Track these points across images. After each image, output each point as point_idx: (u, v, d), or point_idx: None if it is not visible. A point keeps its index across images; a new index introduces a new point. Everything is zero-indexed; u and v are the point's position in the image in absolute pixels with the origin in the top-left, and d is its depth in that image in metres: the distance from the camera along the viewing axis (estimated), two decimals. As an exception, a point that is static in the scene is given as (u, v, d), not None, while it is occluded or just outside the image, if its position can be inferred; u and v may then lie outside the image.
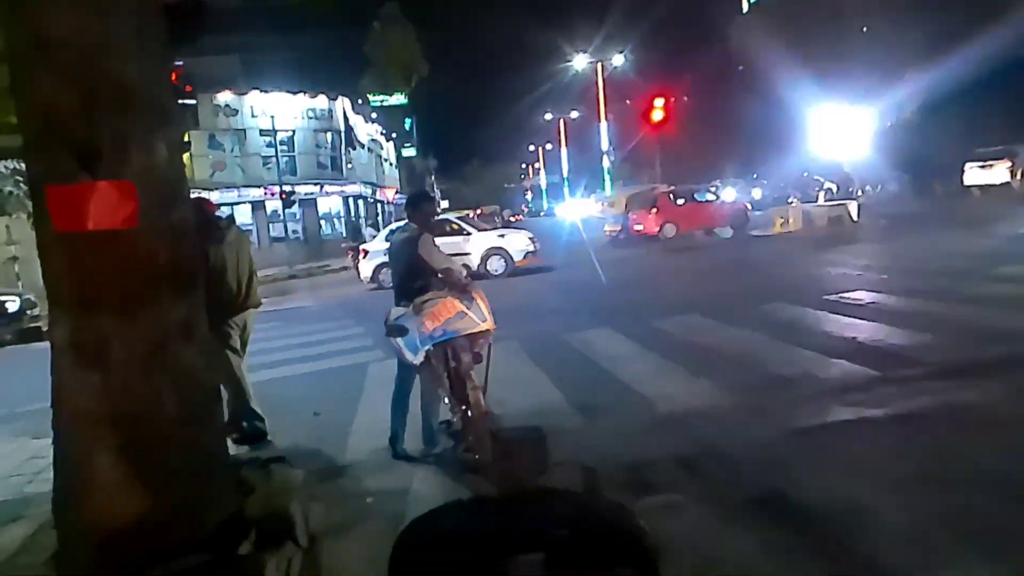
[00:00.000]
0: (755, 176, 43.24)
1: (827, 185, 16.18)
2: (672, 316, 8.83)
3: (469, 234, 17.43)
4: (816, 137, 28.25)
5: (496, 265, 17.05)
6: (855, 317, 7.76)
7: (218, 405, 3.21)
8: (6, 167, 13.77)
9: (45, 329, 3.01)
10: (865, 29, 47.50)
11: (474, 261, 16.83)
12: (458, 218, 20.18)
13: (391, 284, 5.11)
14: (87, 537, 2.85)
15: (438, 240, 4.85)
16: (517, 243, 17.28)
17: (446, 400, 4.56)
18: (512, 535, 0.69)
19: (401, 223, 5.22)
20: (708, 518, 3.48)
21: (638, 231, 23.61)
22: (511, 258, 17.04)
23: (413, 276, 4.65)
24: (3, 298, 14.92)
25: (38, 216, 2.82)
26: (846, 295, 9.15)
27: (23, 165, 2.94)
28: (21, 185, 13.05)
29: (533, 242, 17.33)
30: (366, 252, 17.63)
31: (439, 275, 4.58)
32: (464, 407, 4.41)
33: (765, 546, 3.13)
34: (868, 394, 5.15)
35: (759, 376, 5.89)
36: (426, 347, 4.33)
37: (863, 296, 9.02)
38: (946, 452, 4.00)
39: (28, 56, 2.70)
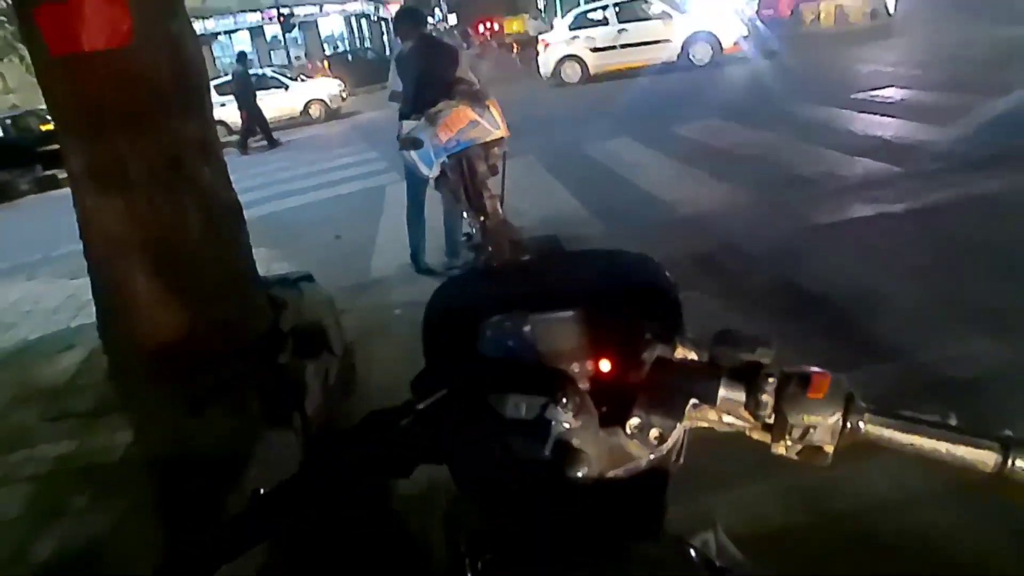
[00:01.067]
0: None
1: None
2: (693, 121, 8.57)
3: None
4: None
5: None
6: (882, 115, 7.48)
7: (242, 223, 3.26)
8: (-9, 10, 13.04)
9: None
10: None
11: None
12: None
13: (574, 79, 4.87)
14: (135, 353, 3.03)
15: None
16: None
17: (464, 212, 4.59)
18: (542, 294, 0.70)
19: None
20: (723, 310, 3.60)
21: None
22: None
23: (427, 85, 4.49)
24: None
25: (32, 44, 2.72)
26: (875, 93, 8.75)
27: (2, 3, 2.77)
28: (7, 26, 12.42)
29: None
30: (547, 43, 16.25)
31: (454, 84, 4.43)
32: (482, 218, 4.44)
33: (778, 332, 3.24)
34: (889, 190, 5.08)
35: (781, 177, 5.81)
36: (440, 159, 4.29)
37: (892, 93, 8.63)
38: (964, 241, 4.01)
39: None
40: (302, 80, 21.19)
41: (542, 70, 16.16)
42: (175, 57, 2.80)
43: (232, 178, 3.25)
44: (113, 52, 2.62)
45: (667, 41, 14.89)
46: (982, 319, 3.10)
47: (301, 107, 20.00)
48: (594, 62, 15.54)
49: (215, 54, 31.66)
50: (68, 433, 2.95)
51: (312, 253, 5.80)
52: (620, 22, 15.24)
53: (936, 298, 3.38)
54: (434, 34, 4.71)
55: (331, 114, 19.74)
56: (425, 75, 4.54)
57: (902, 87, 8.85)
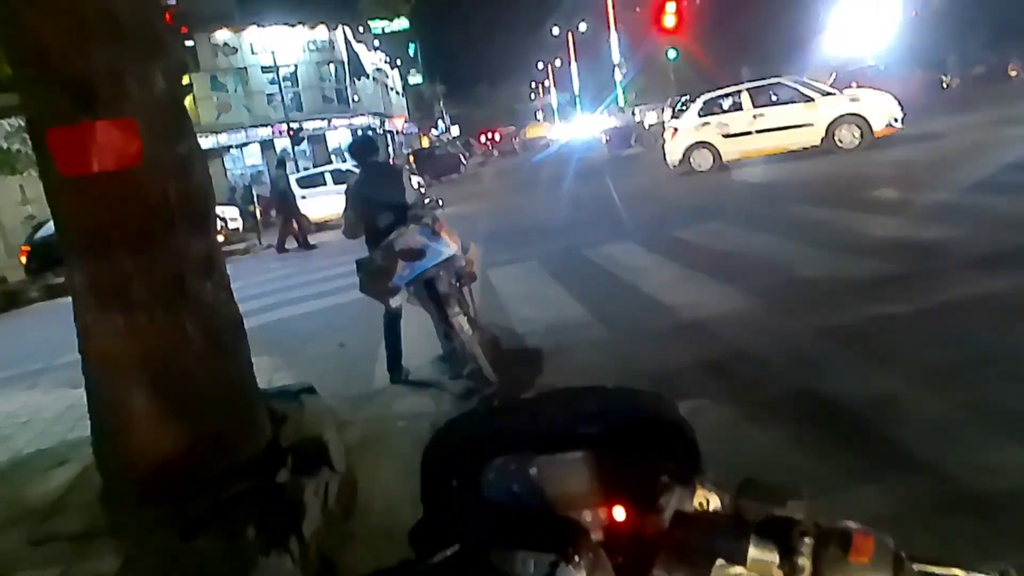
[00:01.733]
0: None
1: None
2: (693, 226, 8.70)
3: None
4: (837, 34, 27.06)
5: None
6: (882, 215, 7.58)
7: (243, 337, 3.23)
8: (11, 125, 13.67)
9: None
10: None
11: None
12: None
13: (705, 167, 4.97)
14: (129, 473, 2.93)
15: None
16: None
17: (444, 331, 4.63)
18: (549, 434, 0.65)
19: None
20: (737, 417, 3.49)
21: None
22: None
23: (378, 215, 4.60)
24: None
25: (43, 163, 2.78)
26: (871, 194, 8.92)
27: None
28: (28, 141, 12.98)
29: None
30: (675, 130, 15.83)
31: (404, 210, 4.54)
32: (457, 335, 4.45)
33: (796, 440, 3.14)
34: (896, 289, 5.06)
35: (784, 279, 5.81)
36: (403, 288, 4.42)
37: (889, 194, 8.79)
38: (976, 342, 3.94)
39: None
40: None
41: (669, 158, 15.56)
42: (182, 178, 2.85)
43: (238, 284, 3.25)
44: (121, 173, 2.67)
45: (809, 125, 14.06)
46: (1009, 424, 2.99)
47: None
48: (727, 148, 14.87)
49: (226, 166, 32.80)
50: (53, 559, 2.80)
51: (316, 362, 5.74)
52: (756, 106, 14.61)
53: (957, 405, 3.27)
54: (381, 161, 4.92)
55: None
56: (376, 205, 4.66)
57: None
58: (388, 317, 4.86)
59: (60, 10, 2.58)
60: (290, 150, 32.42)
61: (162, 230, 2.79)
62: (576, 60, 57.70)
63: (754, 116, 14.60)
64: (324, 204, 17.65)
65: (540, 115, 76.46)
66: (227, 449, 2.97)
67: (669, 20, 25.67)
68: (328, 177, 19.02)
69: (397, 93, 57.22)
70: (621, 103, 38.77)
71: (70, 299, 2.97)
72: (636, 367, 4.46)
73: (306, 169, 34.34)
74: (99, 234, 2.75)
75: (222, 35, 32.93)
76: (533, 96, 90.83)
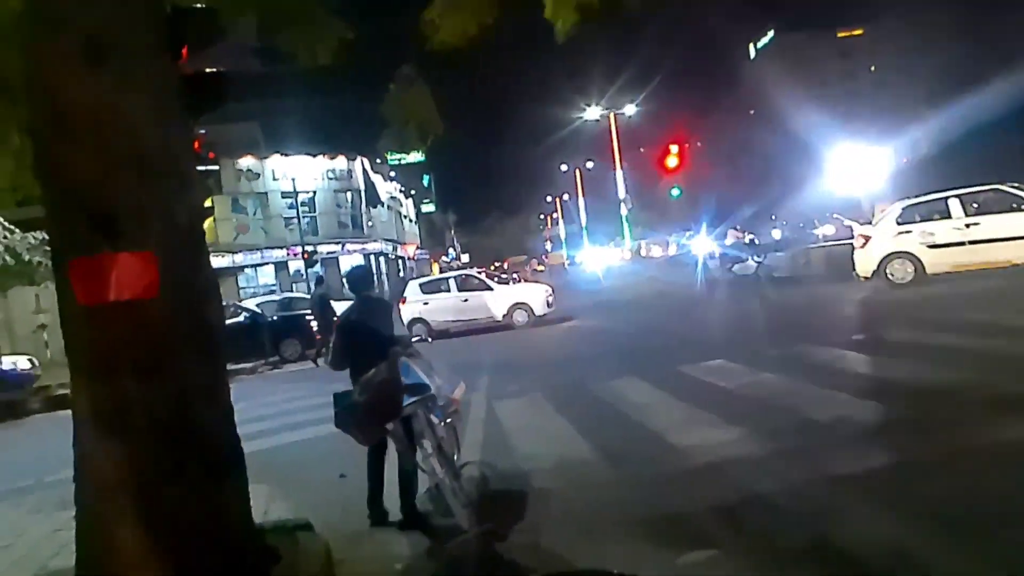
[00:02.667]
0: (772, 217, 43.08)
1: (859, 231, 14.40)
2: (699, 362, 8.66)
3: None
4: (835, 175, 28.23)
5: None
6: (889, 356, 7.55)
7: (241, 468, 3.15)
8: (35, 238, 14.11)
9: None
10: (873, 68, 47.95)
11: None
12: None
13: (904, 279, 4.79)
14: (109, 614, 2.77)
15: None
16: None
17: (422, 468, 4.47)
18: None
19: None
20: (751, 571, 3.32)
21: None
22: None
23: (365, 349, 4.56)
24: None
25: (61, 288, 2.83)
26: (877, 334, 8.94)
27: (47, 235, 2.97)
28: (48, 255, 13.41)
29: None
30: (867, 238, 14.30)
31: (390, 344, 4.53)
32: (436, 477, 4.31)
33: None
34: (907, 436, 4.96)
35: (793, 421, 5.71)
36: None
37: (896, 335, 8.80)
38: (993, 492, 3.81)
39: (47, 127, 2.75)
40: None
41: (860, 268, 14.30)
42: (195, 309, 2.90)
43: (240, 406, 3.20)
44: (136, 303, 2.71)
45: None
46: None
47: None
48: (932, 260, 13.34)
49: (239, 284, 33.37)
50: None
51: (315, 493, 5.56)
52: (968, 215, 13.20)
53: (977, 559, 3.12)
54: (374, 295, 5.03)
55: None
56: (363, 337, 4.65)
57: None
58: (371, 451, 4.73)
59: (93, 148, 2.72)
60: (303, 272, 33.13)
61: (168, 358, 2.80)
62: (584, 195, 59.96)
63: (966, 225, 13.15)
64: (445, 310, 17.97)
65: (549, 245, 78.51)
66: (215, 590, 2.82)
67: (672, 161, 26.99)
68: (452, 284, 18.83)
69: (410, 221, 59.09)
70: (627, 235, 39.88)
71: (69, 412, 2.94)
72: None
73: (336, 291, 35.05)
74: (107, 360, 2.76)
75: (246, 161, 34.51)
76: (542, 227, 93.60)
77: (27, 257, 14.00)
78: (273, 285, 34.55)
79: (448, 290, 18.44)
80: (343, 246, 37.26)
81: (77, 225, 2.71)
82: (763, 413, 6.05)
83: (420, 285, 19.14)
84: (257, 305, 19.15)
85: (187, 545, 2.79)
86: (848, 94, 48.09)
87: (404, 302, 18.28)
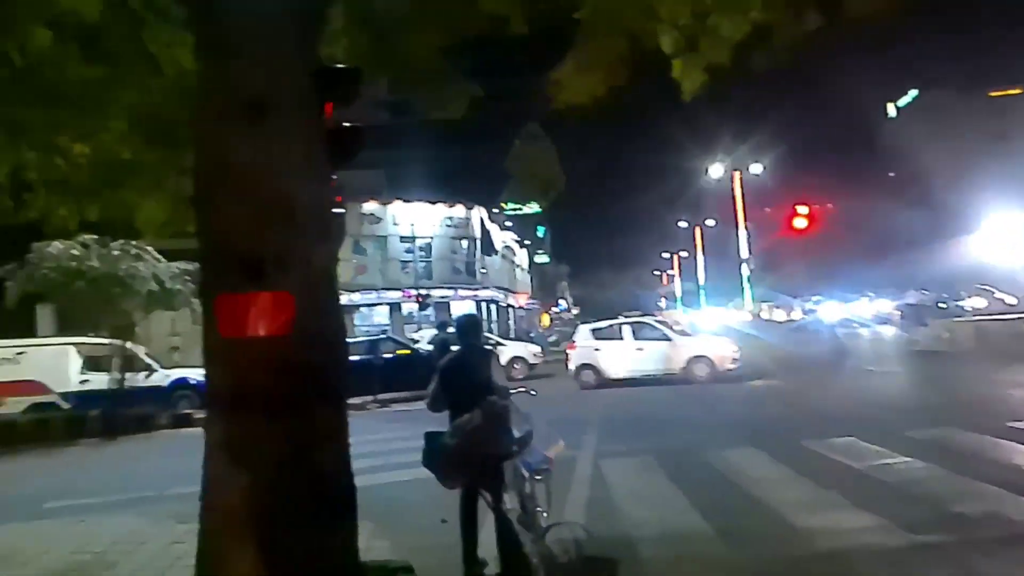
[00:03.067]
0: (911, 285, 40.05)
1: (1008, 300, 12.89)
2: (825, 438, 8.09)
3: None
4: (985, 243, 26.17)
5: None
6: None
7: (353, 510, 3.20)
8: (178, 268, 15.33)
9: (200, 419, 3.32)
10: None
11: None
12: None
13: None
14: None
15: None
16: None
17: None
18: None
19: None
20: None
21: None
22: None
23: (465, 394, 4.52)
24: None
25: (206, 321, 3.04)
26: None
27: (188, 266, 3.22)
28: (188, 284, 14.54)
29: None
30: None
31: (491, 393, 4.43)
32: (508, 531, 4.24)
33: None
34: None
35: (934, 512, 5.18)
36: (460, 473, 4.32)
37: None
38: None
39: (210, 177, 3.00)
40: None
41: None
42: (323, 351, 3.03)
43: (351, 441, 3.26)
44: (271, 339, 2.86)
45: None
46: None
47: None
48: None
49: (354, 323, 34.77)
50: None
51: (415, 536, 5.57)
52: None
53: None
54: (479, 345, 5.00)
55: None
56: (461, 383, 4.63)
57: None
58: (464, 500, 4.69)
59: (247, 199, 2.93)
60: (415, 314, 34.07)
61: (296, 397, 2.91)
62: (704, 252, 58.70)
63: None
64: (618, 358, 16.92)
65: (663, 302, 77.02)
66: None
67: (800, 222, 25.96)
68: (627, 331, 17.58)
69: (523, 270, 59.80)
70: (747, 296, 38.52)
71: (193, 431, 3.10)
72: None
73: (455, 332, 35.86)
74: (241, 393, 2.91)
75: (369, 206, 36.23)
76: (657, 283, 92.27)
77: (169, 285, 15.24)
78: (387, 325, 35.75)
79: (621, 337, 17.32)
80: (456, 291, 38.14)
81: (227, 265, 2.91)
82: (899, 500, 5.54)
83: (592, 330, 18.21)
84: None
85: (296, 578, 2.84)
86: (1000, 157, 44.74)
87: (572, 347, 17.81)
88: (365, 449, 9.47)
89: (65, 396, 16.21)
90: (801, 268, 53.24)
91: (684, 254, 72.58)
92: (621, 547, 5.02)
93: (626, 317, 20.52)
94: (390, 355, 18.18)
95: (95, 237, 14.51)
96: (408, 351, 18.64)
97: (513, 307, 51.04)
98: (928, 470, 6.40)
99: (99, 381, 15.98)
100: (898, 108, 71.66)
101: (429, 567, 4.70)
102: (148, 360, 17.21)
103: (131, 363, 16.19)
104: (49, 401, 16.07)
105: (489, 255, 42.92)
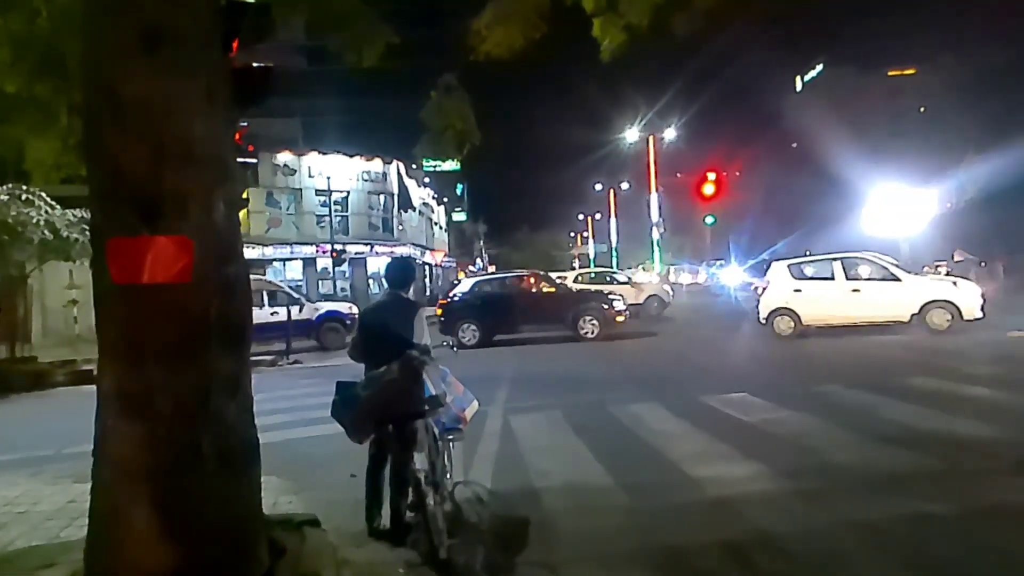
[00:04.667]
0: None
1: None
2: (720, 394, 8.55)
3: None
4: (872, 216, 27.84)
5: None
6: (920, 404, 7.37)
7: (257, 462, 3.16)
8: (74, 215, 14.44)
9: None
10: (923, 109, 47.33)
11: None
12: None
13: None
14: (115, 590, 2.80)
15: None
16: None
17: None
18: None
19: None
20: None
21: None
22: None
23: (384, 345, 4.37)
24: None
25: (97, 266, 2.89)
26: (910, 380, 8.75)
27: (86, 214, 3.04)
28: (87, 233, 13.70)
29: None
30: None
31: (406, 347, 4.28)
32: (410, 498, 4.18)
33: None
34: (932, 487, 4.83)
35: (814, 461, 5.60)
36: (367, 429, 4.24)
37: (929, 383, 8.60)
38: (1017, 557, 3.68)
39: (101, 112, 2.82)
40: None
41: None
42: (225, 298, 2.93)
43: (258, 398, 3.21)
44: (168, 287, 2.75)
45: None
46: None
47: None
48: None
49: (267, 277, 33.80)
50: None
51: (324, 490, 5.57)
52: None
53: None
54: (404, 296, 4.76)
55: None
56: (380, 333, 4.48)
57: None
58: (372, 459, 4.59)
59: (142, 134, 2.77)
60: (331, 269, 33.41)
61: (197, 347, 2.83)
62: (616, 215, 59.81)
63: None
64: (826, 302, 14.01)
65: (577, 263, 78.49)
66: (220, 577, 2.84)
67: (708, 188, 26.88)
68: (837, 268, 14.32)
69: (440, 228, 59.40)
70: (657, 260, 39.68)
71: (93, 387, 2.99)
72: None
73: (343, 290, 35.37)
74: (136, 342, 2.81)
75: (284, 156, 34.97)
76: (571, 244, 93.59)
77: (65, 233, 14.31)
78: (300, 280, 34.95)
79: (831, 276, 14.24)
80: (372, 248, 37.57)
81: (120, 206, 2.77)
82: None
83: (789, 267, 14.93)
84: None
85: (198, 532, 2.81)
86: (895, 134, 47.42)
87: (763, 289, 15.03)
88: (276, 405, 9.35)
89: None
90: (707, 234, 55.25)
91: (598, 216, 73.82)
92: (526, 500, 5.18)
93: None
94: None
95: (-21, 180, 13.46)
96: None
97: (430, 264, 50.76)
98: (811, 423, 6.88)
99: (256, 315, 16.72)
100: (804, 82, 74.61)
101: (336, 521, 4.72)
102: (296, 296, 19.58)
103: (278, 298, 18.44)
104: None
105: (407, 211, 42.33)
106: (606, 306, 17.33)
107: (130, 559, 2.78)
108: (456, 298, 18.63)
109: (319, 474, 6.21)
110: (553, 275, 21.88)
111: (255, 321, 3.26)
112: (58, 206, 14.53)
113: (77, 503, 5.27)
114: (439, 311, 18.38)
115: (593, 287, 22.03)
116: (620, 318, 17.31)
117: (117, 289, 2.80)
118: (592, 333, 16.82)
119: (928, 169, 33.52)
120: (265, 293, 18.44)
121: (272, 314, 17.55)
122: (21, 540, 4.62)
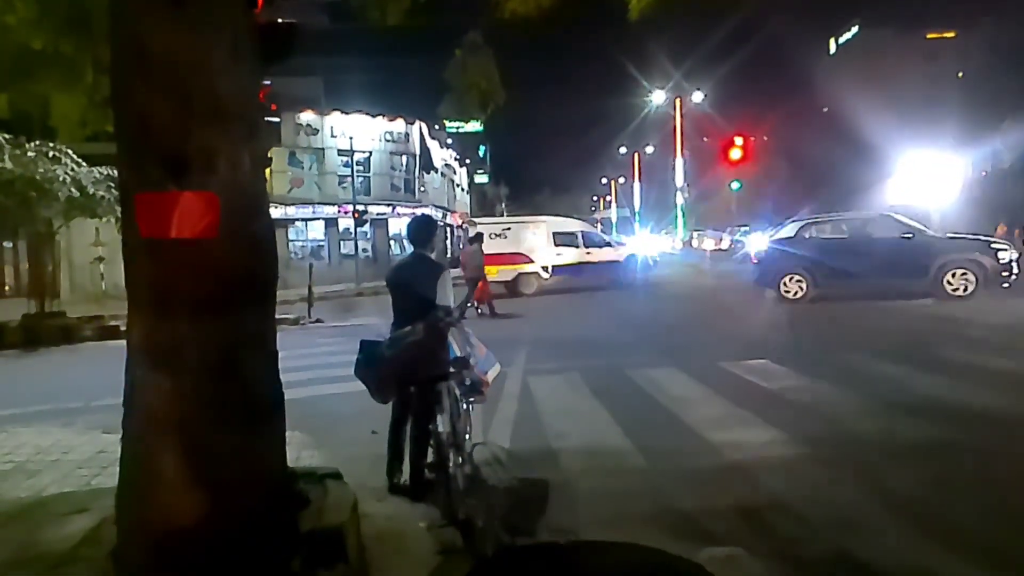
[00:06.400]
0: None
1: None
2: (741, 360, 8.52)
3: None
4: (901, 183, 27.24)
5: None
6: (944, 375, 7.29)
7: (282, 417, 3.23)
8: (100, 173, 14.56)
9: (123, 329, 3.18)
10: (961, 75, 45.88)
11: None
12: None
13: None
14: (145, 535, 2.89)
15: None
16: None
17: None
18: None
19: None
20: (769, 574, 3.28)
21: None
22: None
23: (408, 307, 4.37)
24: None
25: (126, 221, 2.92)
26: (936, 351, 8.65)
27: (116, 172, 3.05)
28: (113, 191, 13.84)
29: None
30: None
31: (430, 309, 4.25)
32: (428, 459, 4.25)
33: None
34: (952, 458, 4.81)
35: (835, 429, 5.60)
36: (389, 388, 4.28)
37: (956, 354, 8.48)
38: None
39: (128, 67, 2.82)
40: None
41: None
42: (251, 254, 2.96)
43: (283, 355, 3.27)
44: (195, 242, 2.78)
45: None
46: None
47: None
48: None
49: (289, 237, 34.02)
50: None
51: (346, 446, 5.68)
52: None
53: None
54: (428, 255, 4.70)
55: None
56: (405, 293, 4.47)
57: None
58: (395, 414, 4.62)
59: (169, 89, 2.77)
60: (352, 230, 33.55)
61: (223, 301, 2.86)
62: (640, 179, 59.16)
63: None
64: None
65: (599, 227, 78.16)
66: (245, 526, 2.92)
67: (735, 153, 26.40)
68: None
69: (462, 189, 59.13)
70: (680, 225, 39.33)
71: (121, 342, 3.04)
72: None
73: (364, 251, 35.43)
74: (163, 296, 2.85)
75: (306, 116, 34.84)
76: (594, 208, 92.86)
77: (91, 191, 14.46)
78: (322, 240, 35.08)
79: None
80: (393, 208, 37.55)
81: (147, 162, 2.78)
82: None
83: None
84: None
85: (225, 481, 2.88)
86: (930, 100, 46.06)
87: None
88: (299, 363, 9.50)
89: (545, 267, 20.86)
90: (733, 199, 54.50)
91: (622, 180, 72.99)
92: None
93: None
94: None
95: (8, 136, 13.58)
96: None
97: (452, 226, 50.72)
98: (833, 392, 6.85)
99: (568, 255, 20.96)
100: (838, 45, 72.50)
101: (357, 475, 4.80)
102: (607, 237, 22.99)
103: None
104: (532, 271, 20.76)
105: (429, 172, 42.18)
106: (986, 257, 13.23)
107: (159, 506, 2.86)
108: (778, 244, 15.33)
109: (341, 430, 6.32)
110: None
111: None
112: (84, 163, 14.67)
113: (107, 452, 5.43)
114: (754, 259, 16.08)
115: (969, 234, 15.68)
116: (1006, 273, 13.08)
117: (145, 244, 2.84)
118: (966, 290, 13.18)
119: (962, 136, 32.63)
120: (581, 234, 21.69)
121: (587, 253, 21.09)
122: (53, 487, 4.79)
